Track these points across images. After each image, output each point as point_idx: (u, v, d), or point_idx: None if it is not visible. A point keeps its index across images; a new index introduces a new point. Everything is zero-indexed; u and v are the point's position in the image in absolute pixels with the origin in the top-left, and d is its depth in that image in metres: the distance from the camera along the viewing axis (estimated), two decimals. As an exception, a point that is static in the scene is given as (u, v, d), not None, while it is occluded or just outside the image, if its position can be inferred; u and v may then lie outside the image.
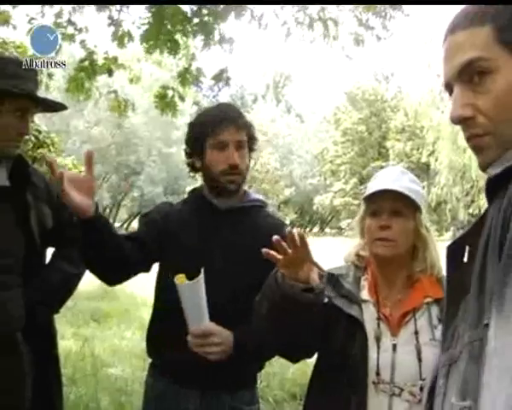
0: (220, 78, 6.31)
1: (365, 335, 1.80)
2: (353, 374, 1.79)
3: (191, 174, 2.34)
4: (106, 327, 8.56)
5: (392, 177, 1.88)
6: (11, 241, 2.20)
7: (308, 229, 56.48)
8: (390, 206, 1.85)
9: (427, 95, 32.43)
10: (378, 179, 1.91)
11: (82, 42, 5.87)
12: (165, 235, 2.21)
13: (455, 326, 1.14)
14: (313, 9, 6.48)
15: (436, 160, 32.12)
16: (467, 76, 1.08)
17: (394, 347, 1.79)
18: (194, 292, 1.95)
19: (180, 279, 1.94)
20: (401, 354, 1.78)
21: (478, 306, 1.04)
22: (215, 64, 6.60)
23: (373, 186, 1.89)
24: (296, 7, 6.31)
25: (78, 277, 2.46)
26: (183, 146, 2.34)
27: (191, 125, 2.28)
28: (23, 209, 2.25)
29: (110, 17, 5.69)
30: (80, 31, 5.79)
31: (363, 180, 46.84)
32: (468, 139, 1.12)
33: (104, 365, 6.25)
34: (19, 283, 2.20)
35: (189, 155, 2.30)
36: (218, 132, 2.15)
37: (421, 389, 1.73)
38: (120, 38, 5.69)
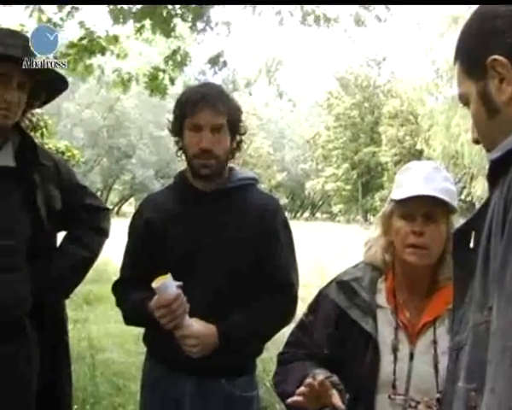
0: (217, 61, 6.24)
1: (377, 350, 1.72)
2: (361, 388, 1.71)
3: (178, 154, 2.27)
4: (99, 310, 8.55)
5: (425, 176, 1.74)
6: (16, 222, 2.15)
7: (299, 214, 56.54)
8: (424, 210, 1.72)
9: (420, 81, 32.34)
10: (410, 178, 1.77)
11: (80, 22, 5.80)
12: (153, 234, 2.20)
13: (463, 312, 1.16)
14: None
15: (429, 146, 32.11)
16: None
17: (411, 356, 1.71)
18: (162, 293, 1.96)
19: (158, 280, 1.96)
20: (418, 363, 1.70)
21: (482, 289, 1.06)
22: (207, 48, 6.54)
23: (405, 185, 1.76)
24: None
25: (91, 260, 2.40)
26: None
27: (176, 101, 2.24)
28: (29, 189, 2.20)
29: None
30: (77, 8, 5.71)
31: (354, 165, 46.91)
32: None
33: (99, 349, 6.25)
34: (24, 265, 2.15)
35: (173, 133, 2.26)
36: (193, 114, 2.10)
37: (438, 400, 1.62)
38: (117, 17, 5.62)
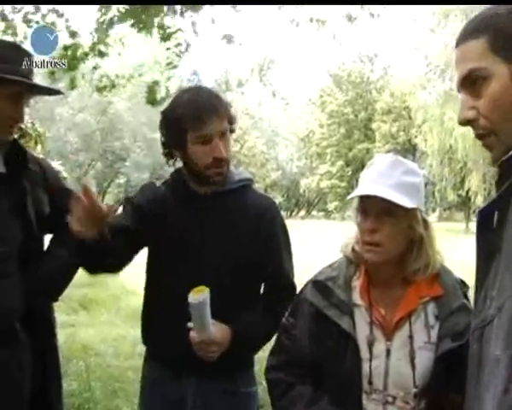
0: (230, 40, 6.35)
1: (357, 348, 1.71)
2: (344, 386, 1.72)
3: (169, 163, 2.23)
4: (95, 315, 8.53)
5: (381, 172, 1.71)
6: (7, 228, 2.15)
7: (295, 212, 56.56)
8: (377, 207, 1.68)
9: (412, 76, 32.39)
10: (368, 174, 1.75)
11: (67, 27, 5.76)
12: (152, 221, 2.17)
13: (486, 289, 1.18)
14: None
15: (423, 141, 32.13)
16: (469, 83, 1.24)
17: (388, 352, 1.70)
18: (200, 309, 1.93)
19: (195, 292, 1.92)
20: (395, 359, 1.69)
21: None
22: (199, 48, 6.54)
23: (363, 181, 1.75)
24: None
25: (77, 263, 2.38)
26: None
27: (168, 117, 2.15)
28: (20, 195, 2.20)
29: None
30: (62, 16, 5.67)
31: (349, 162, 46.93)
32: (478, 138, 1.25)
33: (94, 352, 6.23)
34: (16, 270, 2.15)
35: (166, 145, 2.21)
36: (200, 127, 2.04)
37: (415, 396, 1.66)
38: (107, 20, 5.59)
